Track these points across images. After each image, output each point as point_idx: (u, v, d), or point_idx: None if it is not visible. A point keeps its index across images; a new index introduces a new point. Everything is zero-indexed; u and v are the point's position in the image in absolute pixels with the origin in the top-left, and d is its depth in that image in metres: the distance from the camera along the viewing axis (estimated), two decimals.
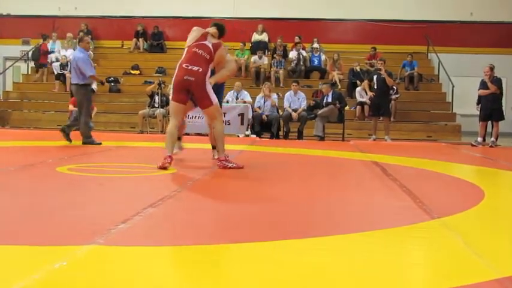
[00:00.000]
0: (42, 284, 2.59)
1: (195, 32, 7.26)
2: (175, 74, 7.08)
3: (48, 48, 20.15)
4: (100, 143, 10.14)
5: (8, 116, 18.34)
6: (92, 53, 20.64)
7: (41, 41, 20.37)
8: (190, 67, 6.94)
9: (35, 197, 5.07)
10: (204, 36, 7.18)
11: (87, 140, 10.14)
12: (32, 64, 21.05)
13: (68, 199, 4.98)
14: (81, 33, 11.08)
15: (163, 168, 6.78)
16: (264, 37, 20.98)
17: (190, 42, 7.15)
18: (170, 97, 7.40)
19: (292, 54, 19.66)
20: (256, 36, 20.99)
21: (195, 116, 14.68)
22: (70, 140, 10.15)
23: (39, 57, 19.91)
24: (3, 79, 21.48)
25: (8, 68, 21.88)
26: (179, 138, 8.16)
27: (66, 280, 2.68)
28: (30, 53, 20.75)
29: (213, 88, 7.28)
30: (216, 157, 7.61)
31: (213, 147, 8.03)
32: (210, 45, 7.11)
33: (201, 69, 6.95)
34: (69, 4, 22.05)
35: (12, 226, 3.78)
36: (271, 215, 4.56)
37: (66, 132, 10.18)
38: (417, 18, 20.63)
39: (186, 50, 7.16)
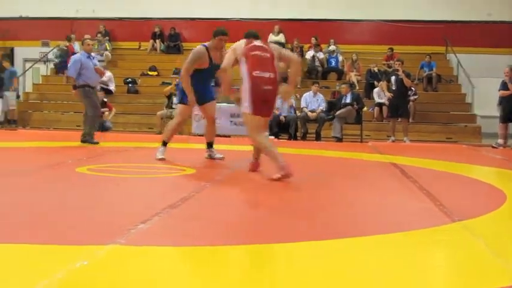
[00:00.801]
0: (63, 283, 2.60)
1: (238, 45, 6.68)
2: (246, 84, 6.42)
3: (74, 49, 20.23)
4: (97, 143, 10.31)
5: (28, 116, 18.47)
6: (109, 55, 20.78)
7: (66, 42, 20.44)
8: (262, 74, 6.42)
9: (56, 197, 5.09)
10: (249, 41, 6.67)
11: (85, 139, 10.35)
12: (51, 65, 21.18)
13: (88, 199, 5.00)
14: (85, 35, 11.21)
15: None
16: (281, 38, 20.94)
17: (239, 50, 6.55)
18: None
19: (310, 55, 19.64)
20: (272, 37, 20.95)
21: None
22: (96, 142, 10.38)
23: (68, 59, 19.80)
24: (23, 80, 21.61)
25: (27, 69, 22.04)
26: (211, 145, 8.19)
27: (88, 279, 2.69)
28: (55, 54, 20.77)
29: (201, 87, 7.63)
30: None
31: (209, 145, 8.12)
32: (265, 45, 6.70)
33: (273, 75, 6.52)
34: (87, 6, 22.16)
35: (33, 226, 3.79)
36: (290, 216, 4.54)
37: (88, 141, 10.38)
38: (435, 19, 20.48)
39: (242, 59, 6.49)
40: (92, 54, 11.29)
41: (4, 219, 3.98)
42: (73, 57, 10.99)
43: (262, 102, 6.44)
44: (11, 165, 7.24)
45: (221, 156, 8.10)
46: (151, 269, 2.92)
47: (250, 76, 6.39)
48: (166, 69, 20.38)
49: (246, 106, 6.44)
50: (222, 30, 7.77)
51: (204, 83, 7.85)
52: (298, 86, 18.28)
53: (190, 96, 7.62)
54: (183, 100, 7.84)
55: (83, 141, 10.37)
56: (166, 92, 16.18)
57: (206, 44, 7.73)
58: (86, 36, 20.18)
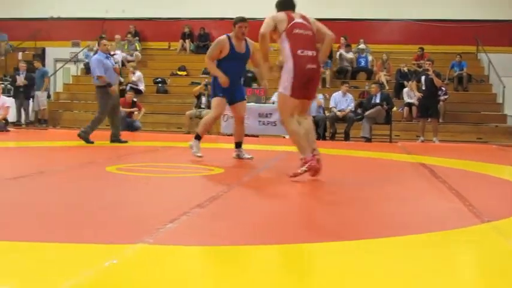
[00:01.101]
0: (93, 282, 2.62)
1: (279, 18, 6.35)
2: (290, 64, 6.11)
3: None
4: (92, 142, 10.35)
5: (59, 116, 18.68)
6: (139, 55, 20.91)
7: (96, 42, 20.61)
8: (306, 52, 6.14)
9: (85, 196, 5.14)
10: (290, 17, 6.36)
11: (83, 135, 10.43)
12: (81, 65, 21.38)
13: (117, 198, 5.04)
14: (115, 36, 11.36)
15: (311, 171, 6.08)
16: None
17: (282, 24, 6.25)
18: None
19: (339, 55, 19.57)
20: None
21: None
22: (92, 142, 10.45)
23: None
24: (54, 80, 21.86)
25: (58, 69, 22.28)
26: (240, 145, 8.18)
27: (116, 279, 2.70)
28: (84, 54, 20.98)
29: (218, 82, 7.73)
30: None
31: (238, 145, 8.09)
32: (305, 21, 6.43)
33: (315, 53, 6.25)
34: (117, 7, 22.35)
35: (63, 225, 3.83)
36: (318, 216, 4.54)
37: (85, 139, 10.48)
38: (466, 18, 20.28)
39: (283, 36, 6.21)
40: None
41: (34, 218, 4.04)
42: (94, 59, 11.08)
43: (305, 83, 6.16)
44: (42, 165, 7.33)
45: (250, 156, 8.10)
46: (179, 269, 2.94)
47: (293, 55, 6.10)
48: (196, 69, 20.46)
49: (285, 87, 6.14)
50: (241, 17, 7.97)
51: (232, 78, 7.83)
52: (328, 86, 18.25)
53: (222, 77, 7.70)
54: (217, 93, 7.88)
55: (112, 140, 10.58)
56: (195, 92, 16.24)
57: (230, 34, 7.94)
58: (116, 36, 20.44)
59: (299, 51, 6.09)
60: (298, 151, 6.14)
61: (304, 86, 6.17)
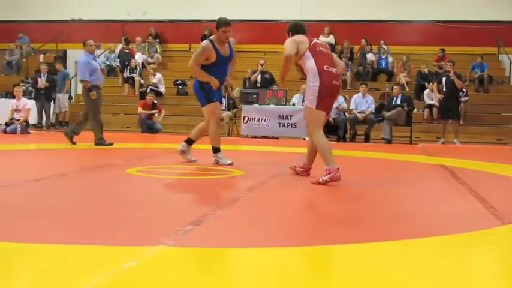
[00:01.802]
0: (112, 284, 2.64)
1: (302, 43, 6.48)
2: (316, 79, 6.32)
3: (135, 52, 20.45)
4: (112, 144, 10.39)
5: (80, 118, 18.76)
6: (160, 57, 20.99)
7: (118, 44, 20.70)
8: (331, 69, 6.41)
9: (105, 198, 5.18)
10: (309, 38, 6.59)
11: (99, 141, 10.48)
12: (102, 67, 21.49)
13: (137, 200, 5.06)
14: (89, 40, 11.19)
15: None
16: (331, 39, 20.88)
17: (304, 44, 6.44)
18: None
19: (360, 56, 19.54)
20: (322, 39, 20.91)
21: (262, 119, 14.80)
22: (74, 143, 10.60)
23: (130, 61, 19.89)
24: (75, 83, 22.00)
25: None
26: (190, 143, 7.94)
27: (136, 280, 2.72)
28: (116, 56, 21.07)
29: (208, 87, 7.46)
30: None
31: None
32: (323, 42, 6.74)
33: (337, 71, 6.55)
34: (138, 9, 22.46)
35: (83, 226, 3.86)
36: (339, 218, 4.53)
37: (69, 136, 10.68)
38: (487, 19, 20.13)
39: (308, 54, 6.40)
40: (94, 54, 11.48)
41: (54, 220, 4.07)
42: (80, 60, 11.00)
43: (329, 97, 6.44)
44: (63, 167, 7.38)
45: (194, 159, 7.86)
46: (199, 271, 2.95)
47: (321, 70, 6.32)
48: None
49: (311, 100, 6.37)
50: (224, 20, 7.56)
51: (221, 78, 7.60)
52: (348, 88, 18.22)
53: (214, 81, 7.45)
54: (211, 99, 7.59)
55: (96, 143, 10.53)
56: None
57: (211, 37, 7.61)
58: (137, 38, 20.54)
59: (325, 67, 6.35)
60: (324, 161, 6.30)
61: (328, 99, 6.46)
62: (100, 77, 11.04)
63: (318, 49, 6.46)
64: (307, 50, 6.40)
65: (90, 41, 11.32)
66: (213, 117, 7.63)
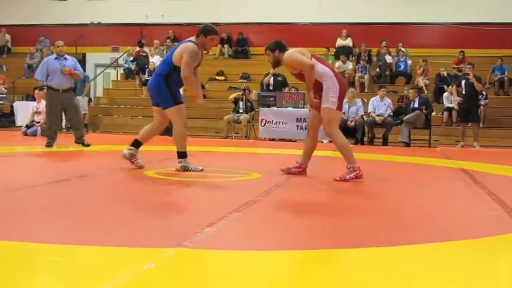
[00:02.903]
0: (131, 285, 2.65)
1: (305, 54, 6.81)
2: (333, 80, 6.66)
3: (149, 55, 20.54)
4: (50, 146, 10.50)
5: (99, 121, 18.90)
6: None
7: (135, 48, 20.80)
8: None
9: (124, 199, 5.20)
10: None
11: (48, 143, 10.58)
12: (121, 70, 21.63)
13: (156, 202, 5.08)
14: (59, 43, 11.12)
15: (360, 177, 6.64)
16: (349, 42, 20.86)
17: (307, 54, 6.77)
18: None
19: (377, 59, 19.48)
20: (340, 41, 20.90)
21: (279, 122, 14.79)
22: (86, 144, 10.77)
23: (147, 64, 19.95)
24: (94, 86, 22.15)
25: (98, 74, 22.57)
26: (138, 146, 7.38)
27: (155, 281, 2.73)
28: (131, 59, 21.20)
29: (177, 88, 7.18)
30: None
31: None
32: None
33: None
34: (156, 12, 22.57)
35: (102, 228, 3.88)
36: (357, 221, 4.51)
37: (81, 142, 10.80)
38: (507, 21, 20.00)
39: (314, 60, 6.68)
40: (66, 56, 11.10)
41: (74, 221, 4.09)
42: (43, 60, 11.05)
43: (343, 97, 6.85)
44: (83, 169, 7.42)
45: (141, 164, 7.30)
46: (217, 273, 2.95)
47: (335, 73, 6.76)
48: (234, 73, 20.53)
49: (333, 102, 6.66)
50: (214, 28, 7.15)
51: (180, 85, 7.27)
52: (366, 91, 18.18)
53: (200, 98, 7.35)
54: (180, 100, 7.18)
55: (76, 142, 10.83)
56: (231, 99, 16.32)
57: (193, 40, 7.09)
58: (155, 41, 20.63)
59: (336, 70, 6.83)
60: (346, 160, 6.72)
61: (342, 100, 6.85)
62: (58, 79, 10.63)
63: (317, 55, 6.93)
64: (312, 58, 6.71)
65: (58, 41, 11.17)
66: (180, 120, 7.15)
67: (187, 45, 7.02)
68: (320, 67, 6.69)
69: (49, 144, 10.54)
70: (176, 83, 7.13)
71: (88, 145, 10.71)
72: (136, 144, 7.35)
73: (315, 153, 7.27)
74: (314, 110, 6.93)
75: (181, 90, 7.46)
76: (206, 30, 7.06)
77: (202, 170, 7.15)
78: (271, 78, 16.97)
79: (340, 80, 6.76)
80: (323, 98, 6.68)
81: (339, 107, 6.75)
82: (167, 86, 7.10)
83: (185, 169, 7.08)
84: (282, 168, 7.25)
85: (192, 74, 7.05)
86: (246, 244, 3.59)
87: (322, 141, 14.52)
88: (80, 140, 10.82)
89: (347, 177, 6.55)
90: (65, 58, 10.89)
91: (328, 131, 6.88)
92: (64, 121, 17.76)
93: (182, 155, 7.21)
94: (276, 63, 7.04)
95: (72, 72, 10.74)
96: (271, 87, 16.84)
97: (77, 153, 9.99)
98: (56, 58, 10.81)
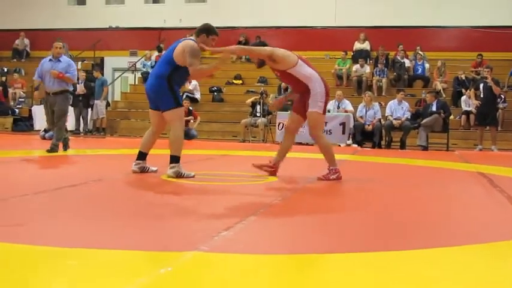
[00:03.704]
0: None
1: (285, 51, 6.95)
2: (321, 85, 6.74)
3: None
4: (55, 151, 10.08)
5: (117, 125, 18.99)
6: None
7: (156, 52, 20.90)
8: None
9: (141, 203, 5.21)
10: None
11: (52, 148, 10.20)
12: (138, 74, 21.71)
13: (173, 206, 5.09)
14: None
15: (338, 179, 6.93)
16: (366, 46, 20.80)
17: (294, 55, 6.85)
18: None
19: (395, 62, 19.41)
20: (358, 45, 20.85)
21: None
22: (54, 150, 10.14)
23: None
24: (112, 89, 22.25)
25: (116, 78, 22.69)
26: (145, 157, 7.27)
27: (172, 285, 2.73)
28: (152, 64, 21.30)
29: (177, 90, 6.97)
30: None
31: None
32: None
33: None
34: (174, 16, 22.65)
35: (119, 231, 3.89)
36: (374, 225, 4.50)
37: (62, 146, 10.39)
38: None
39: (300, 62, 6.75)
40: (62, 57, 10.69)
41: (91, 225, 4.11)
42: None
43: (327, 101, 6.93)
44: (100, 173, 7.46)
45: (155, 169, 7.30)
46: (234, 277, 2.95)
47: (320, 77, 6.82)
48: (251, 77, 20.55)
49: (320, 106, 6.78)
50: (215, 29, 7.06)
51: (180, 85, 7.21)
52: (383, 94, 18.13)
53: (213, 66, 7.12)
54: (181, 103, 7.02)
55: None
56: (249, 103, 16.34)
57: (193, 39, 6.99)
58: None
59: (319, 74, 6.82)
60: (328, 161, 6.99)
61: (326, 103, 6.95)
62: (48, 81, 10.24)
63: (304, 57, 6.91)
64: (299, 60, 6.76)
65: (56, 43, 10.83)
66: (180, 122, 6.94)
67: (188, 43, 6.84)
68: (307, 70, 6.74)
69: (52, 150, 10.09)
70: (178, 84, 7.01)
71: (52, 151, 10.01)
72: (141, 156, 7.22)
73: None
74: (295, 113, 7.06)
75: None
76: (209, 30, 7.01)
77: (193, 176, 6.85)
78: None
79: (325, 84, 6.84)
80: (311, 102, 6.74)
81: (324, 111, 6.91)
82: (170, 89, 6.83)
83: (178, 175, 6.77)
84: (254, 163, 7.32)
85: (199, 69, 6.82)
86: (263, 248, 3.59)
87: (339, 145, 14.52)
88: (52, 147, 10.11)
89: (331, 177, 6.88)
90: (59, 60, 10.44)
91: (314, 134, 6.99)
92: (82, 125, 17.95)
93: (176, 159, 6.88)
94: (261, 64, 7.15)
95: (61, 76, 10.23)
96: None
97: (95, 157, 10.05)
98: (50, 60, 10.46)
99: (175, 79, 6.88)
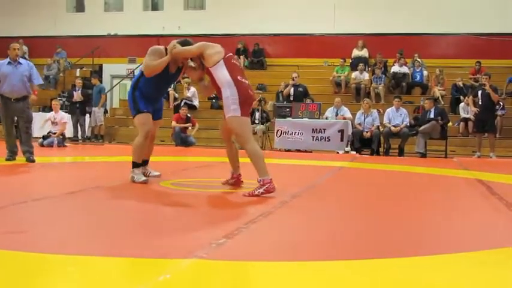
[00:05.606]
0: None
1: (216, 48, 6.49)
2: (237, 88, 6.24)
3: None
4: (12, 159, 9.60)
5: (115, 132, 18.98)
6: None
7: None
8: (243, 80, 6.39)
9: (139, 210, 5.21)
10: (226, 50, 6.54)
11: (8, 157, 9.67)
12: None
13: (171, 213, 5.09)
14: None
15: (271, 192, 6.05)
16: (364, 53, 20.84)
17: (220, 54, 6.38)
18: (235, 114, 6.17)
19: (395, 69, 19.44)
20: (356, 52, 20.88)
21: (295, 133, 14.80)
22: (11, 159, 9.62)
23: None
24: (110, 97, 22.24)
25: (115, 85, 22.68)
26: (147, 162, 7.48)
27: None
28: None
29: (155, 96, 7.05)
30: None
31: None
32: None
33: (249, 83, 6.55)
34: (173, 24, 22.65)
35: (117, 238, 3.89)
36: (373, 232, 4.50)
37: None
38: None
39: (221, 62, 6.32)
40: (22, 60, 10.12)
41: (89, 232, 4.11)
42: None
43: (247, 106, 6.36)
44: (98, 180, 7.46)
45: (158, 173, 7.46)
46: (233, 284, 2.95)
47: (235, 80, 6.24)
48: (250, 84, 20.52)
49: (234, 109, 6.23)
50: (189, 41, 6.85)
51: (159, 91, 7.24)
52: (382, 101, 18.15)
53: (164, 59, 6.83)
54: (141, 109, 6.99)
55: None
56: None
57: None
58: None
59: (238, 77, 6.30)
60: (257, 171, 6.16)
61: (247, 109, 6.40)
62: (10, 86, 9.54)
63: (232, 61, 6.44)
64: (222, 60, 6.32)
65: (14, 44, 10.07)
66: (142, 129, 6.99)
67: (156, 47, 7.08)
68: (222, 73, 6.30)
69: (9, 158, 9.60)
70: (141, 91, 7.00)
71: (33, 161, 9.47)
72: (143, 163, 7.30)
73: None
74: (224, 121, 6.63)
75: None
76: (182, 42, 6.82)
77: (146, 181, 6.91)
78: (292, 89, 17.00)
79: (241, 88, 6.26)
80: (224, 108, 6.33)
81: (245, 114, 6.30)
82: (133, 95, 7.01)
83: (132, 180, 6.91)
84: (222, 181, 6.95)
85: (148, 64, 6.87)
86: (262, 255, 3.58)
87: (337, 152, 14.53)
88: (27, 155, 9.55)
89: (256, 192, 5.99)
90: (19, 63, 9.76)
91: (239, 140, 6.61)
92: (80, 132, 17.94)
93: (133, 164, 7.02)
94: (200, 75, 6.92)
95: (36, 93, 9.88)
96: (291, 98, 16.88)
97: (93, 164, 10.04)
98: (8, 63, 9.66)
99: (140, 86, 6.98)
